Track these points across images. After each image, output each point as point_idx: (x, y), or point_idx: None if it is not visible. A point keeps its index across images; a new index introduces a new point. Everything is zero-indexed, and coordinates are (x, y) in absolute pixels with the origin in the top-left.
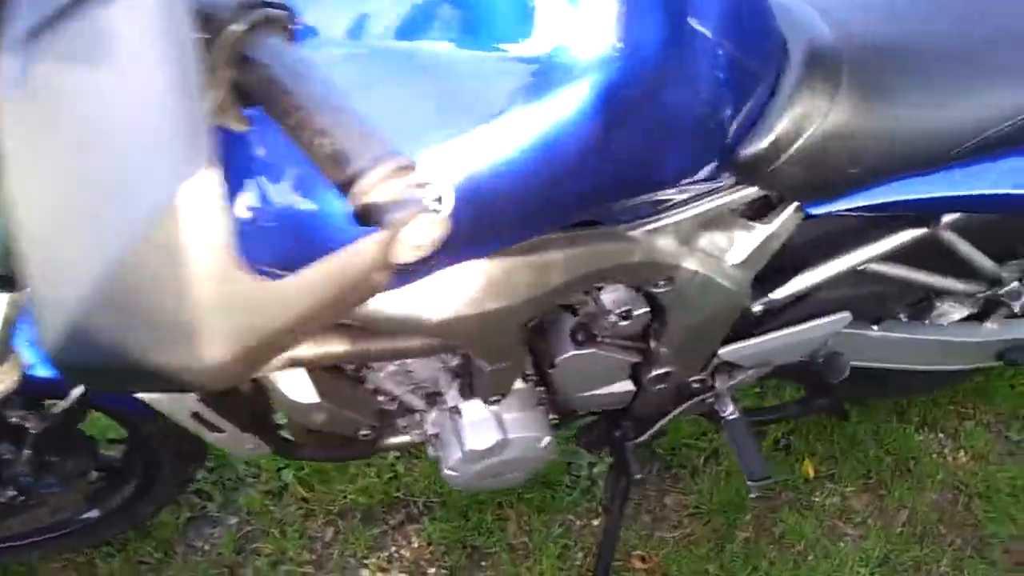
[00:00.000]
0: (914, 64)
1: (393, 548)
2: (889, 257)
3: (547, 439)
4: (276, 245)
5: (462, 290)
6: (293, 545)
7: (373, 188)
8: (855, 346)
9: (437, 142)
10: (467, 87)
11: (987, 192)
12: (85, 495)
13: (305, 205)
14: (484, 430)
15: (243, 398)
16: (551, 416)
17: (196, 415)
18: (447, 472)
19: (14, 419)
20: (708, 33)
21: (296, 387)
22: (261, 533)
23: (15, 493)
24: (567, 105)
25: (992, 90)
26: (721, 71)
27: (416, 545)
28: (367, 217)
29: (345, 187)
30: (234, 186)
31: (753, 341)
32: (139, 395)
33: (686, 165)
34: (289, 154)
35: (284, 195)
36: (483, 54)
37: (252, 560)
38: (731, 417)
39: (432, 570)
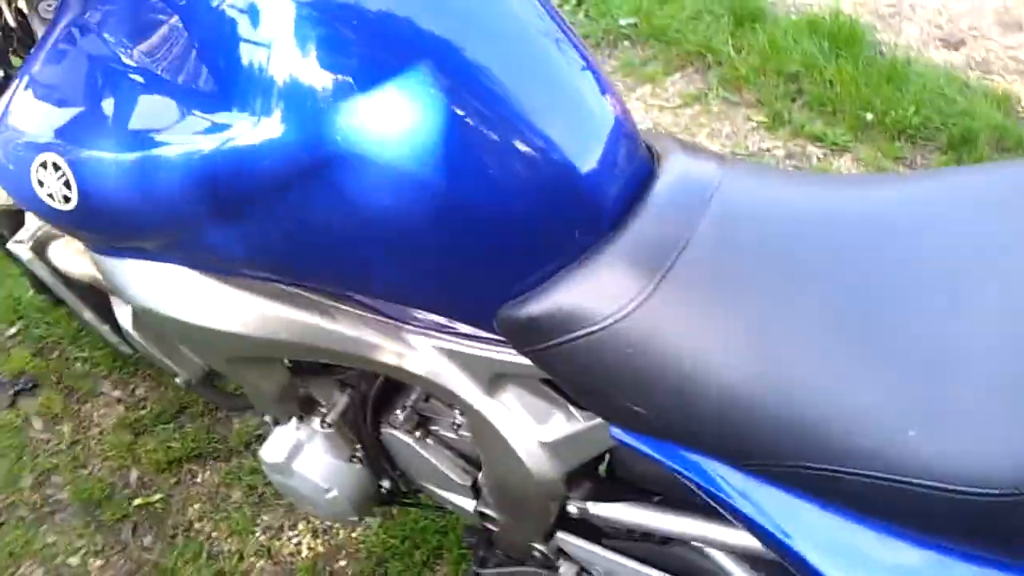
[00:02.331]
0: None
1: None
2: (735, 551)
3: (333, 493)
4: None
5: (177, 292)
6: None
7: None
8: None
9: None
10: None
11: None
12: None
13: None
14: (277, 445)
15: None
16: (383, 485)
17: None
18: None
19: None
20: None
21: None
22: None
23: None
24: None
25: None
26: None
27: None
28: None
29: None
30: None
31: (585, 544)
32: None
33: (406, 285)
34: None
35: None
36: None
37: None
38: None
39: None
